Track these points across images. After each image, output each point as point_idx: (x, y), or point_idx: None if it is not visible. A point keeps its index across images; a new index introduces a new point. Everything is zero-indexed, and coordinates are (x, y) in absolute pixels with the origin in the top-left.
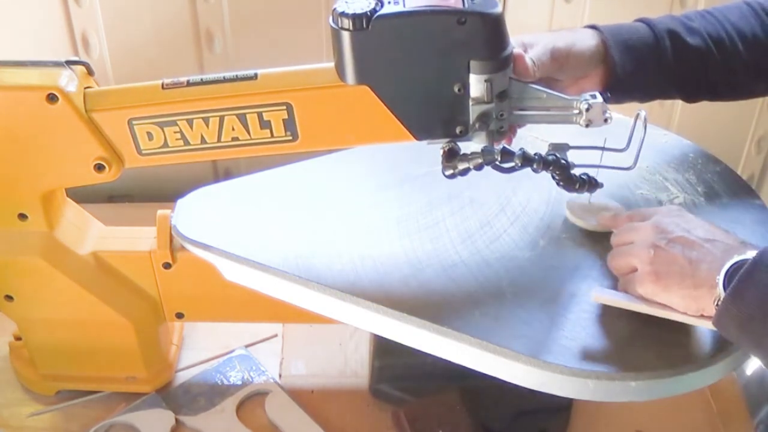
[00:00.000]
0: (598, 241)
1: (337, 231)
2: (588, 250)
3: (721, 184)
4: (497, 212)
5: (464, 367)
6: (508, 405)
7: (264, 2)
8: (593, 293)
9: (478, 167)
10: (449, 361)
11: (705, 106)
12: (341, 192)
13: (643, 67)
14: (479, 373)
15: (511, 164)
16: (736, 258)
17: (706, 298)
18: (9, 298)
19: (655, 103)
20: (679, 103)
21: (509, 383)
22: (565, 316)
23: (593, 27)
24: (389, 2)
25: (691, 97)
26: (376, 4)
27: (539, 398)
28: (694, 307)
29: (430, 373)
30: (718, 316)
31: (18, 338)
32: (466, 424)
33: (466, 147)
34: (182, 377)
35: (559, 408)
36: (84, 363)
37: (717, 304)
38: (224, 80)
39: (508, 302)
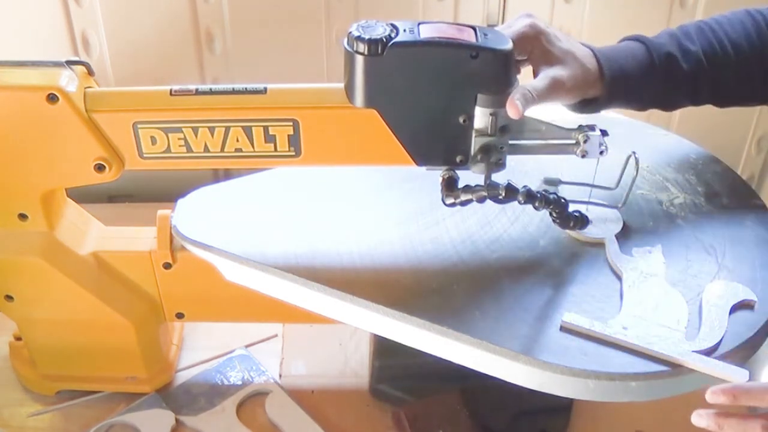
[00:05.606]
0: (599, 241)
1: (338, 231)
2: (588, 250)
3: (721, 185)
4: (497, 212)
5: (464, 367)
6: (508, 405)
7: (264, 3)
8: (561, 321)
9: (480, 200)
10: (449, 361)
11: (706, 107)
12: (341, 192)
13: (634, 90)
14: (479, 373)
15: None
16: None
17: None
18: (9, 298)
19: None
20: None
21: (509, 383)
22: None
23: (591, 48)
24: (404, 30)
25: (674, 108)
26: (392, 31)
27: (539, 398)
28: None
29: (430, 373)
30: None
31: (18, 338)
32: (466, 424)
33: (463, 175)
34: (182, 377)
35: (559, 408)
36: (84, 363)
37: None
38: (233, 92)
39: (508, 302)
